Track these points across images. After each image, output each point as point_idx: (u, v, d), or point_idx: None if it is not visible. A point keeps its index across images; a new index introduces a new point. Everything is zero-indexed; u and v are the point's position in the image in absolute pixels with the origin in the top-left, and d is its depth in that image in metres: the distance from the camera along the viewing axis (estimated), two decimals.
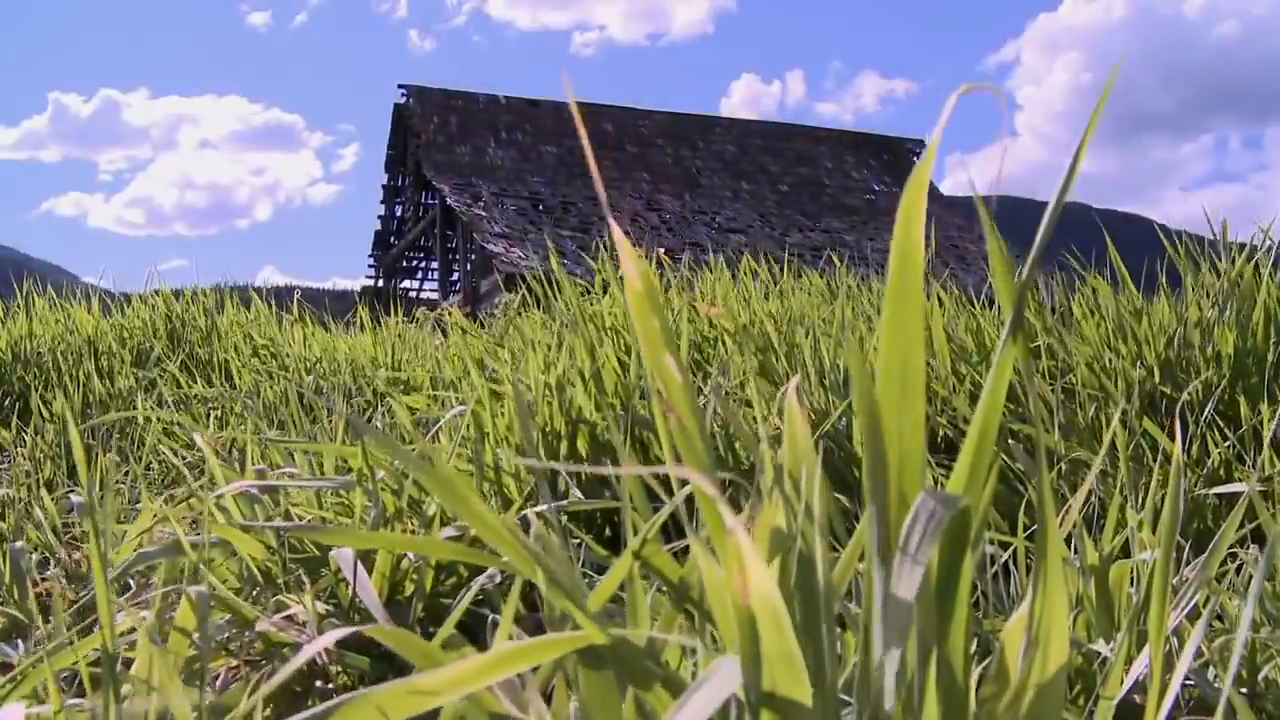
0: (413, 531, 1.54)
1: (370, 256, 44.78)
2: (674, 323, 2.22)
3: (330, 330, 4.50)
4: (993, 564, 1.29)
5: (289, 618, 1.30)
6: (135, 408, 4.04)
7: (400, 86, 39.09)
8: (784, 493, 0.62)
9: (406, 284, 45.63)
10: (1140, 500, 1.51)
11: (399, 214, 43.36)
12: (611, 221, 0.68)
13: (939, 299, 3.03)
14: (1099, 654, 1.14)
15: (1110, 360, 2.30)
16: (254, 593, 1.49)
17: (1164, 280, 2.60)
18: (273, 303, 5.31)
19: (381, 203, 43.45)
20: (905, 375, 0.58)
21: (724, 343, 2.30)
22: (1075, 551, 1.35)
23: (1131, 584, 1.24)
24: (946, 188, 45.16)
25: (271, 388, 3.57)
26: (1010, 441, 2.03)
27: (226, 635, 1.18)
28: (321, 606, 1.49)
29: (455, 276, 36.63)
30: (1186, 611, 1.00)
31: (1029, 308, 2.64)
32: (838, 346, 2.24)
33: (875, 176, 42.59)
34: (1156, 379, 2.20)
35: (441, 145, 37.92)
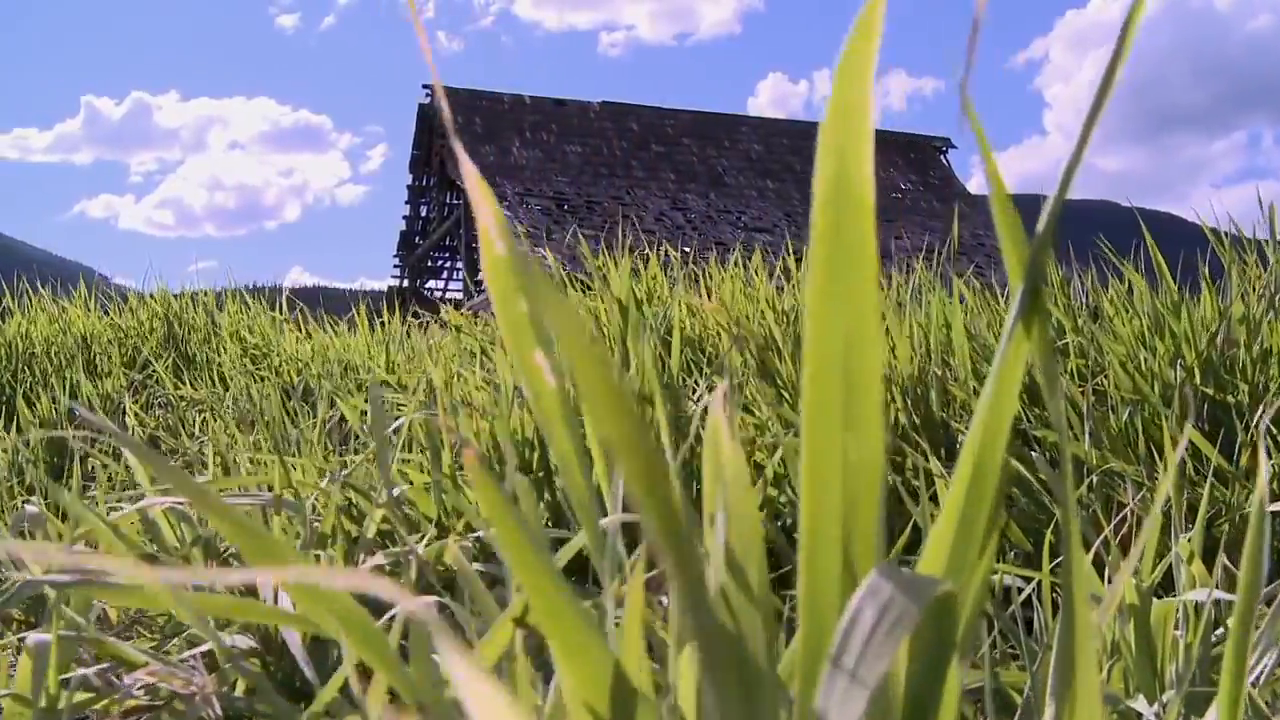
0: (346, 556, 1.35)
1: (395, 257, 44.82)
2: (665, 318, 2.04)
3: (325, 330, 4.34)
4: (1009, 600, 1.09)
5: (186, 660, 1.12)
6: (124, 410, 3.89)
7: (425, 87, 39.02)
8: (690, 555, 0.44)
9: (432, 284, 45.62)
10: (1185, 522, 1.31)
11: (424, 214, 43.36)
12: (464, 157, 0.49)
13: (960, 294, 2.83)
14: (1139, 714, 0.95)
15: (1145, 360, 2.09)
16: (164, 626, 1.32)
17: (1206, 273, 2.39)
18: (267, 303, 5.15)
19: (406, 203, 43.46)
20: (851, 366, 0.39)
21: (721, 341, 2.10)
22: (1108, 581, 1.16)
23: (1176, 626, 1.04)
24: (974, 186, 44.86)
25: (259, 390, 3.40)
26: (1032, 450, 1.83)
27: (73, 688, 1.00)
28: (245, 641, 1.31)
29: (481, 276, 36.50)
30: (1255, 675, 0.80)
31: (1055, 301, 2.43)
32: None
33: (901, 175, 42.18)
34: (1197, 380, 1.99)
35: (466, 145, 37.74)
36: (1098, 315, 2.81)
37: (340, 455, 2.39)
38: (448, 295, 44.29)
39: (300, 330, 4.12)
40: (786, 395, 1.92)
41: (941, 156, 44.72)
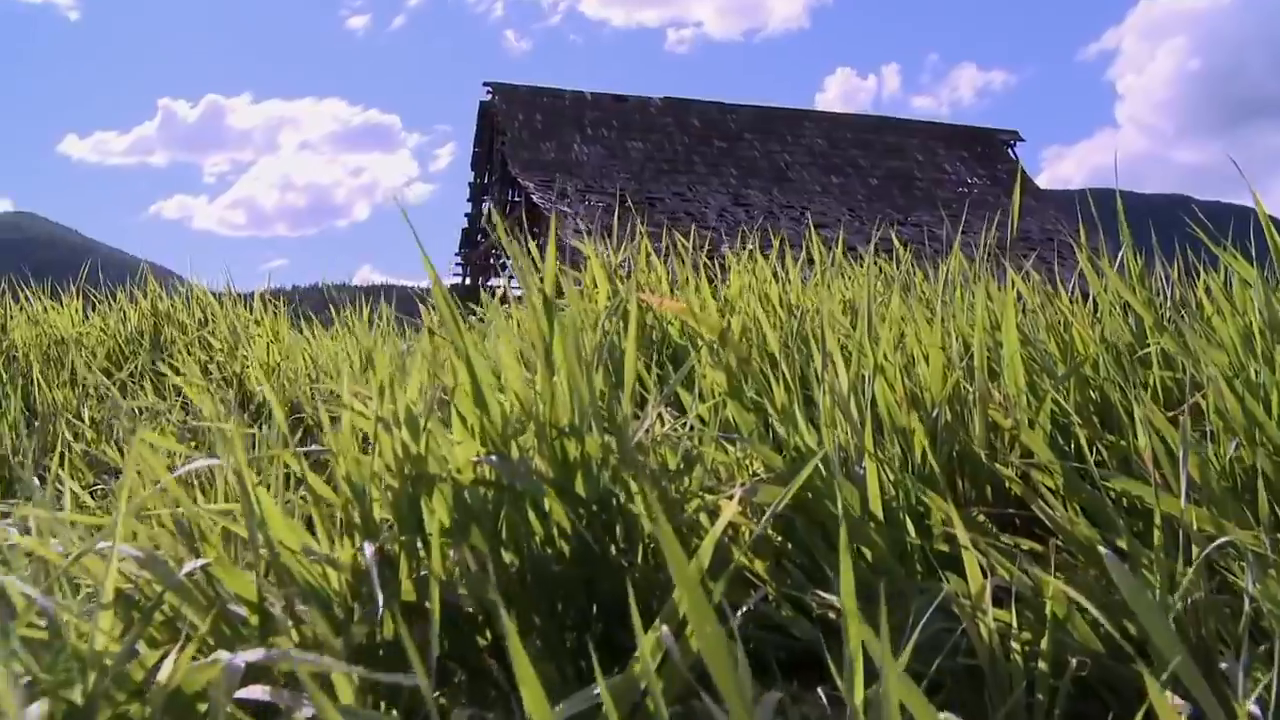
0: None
1: (457, 255, 44.90)
2: (613, 322, 1.57)
3: (302, 330, 3.92)
4: None
5: None
6: (81, 418, 3.52)
7: (485, 84, 38.90)
8: None
9: (495, 282, 45.58)
10: None
11: (486, 211, 43.31)
12: None
13: (1016, 289, 2.33)
14: None
15: (1257, 373, 1.59)
16: None
17: None
18: (287, 305, 4.78)
19: (468, 200, 43.47)
20: None
21: (697, 352, 1.61)
22: None
23: None
24: (1044, 181, 44.14)
25: (213, 401, 2.99)
26: (1105, 499, 1.34)
27: None
28: None
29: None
30: None
31: (1135, 294, 1.93)
32: (860, 354, 1.56)
33: (968, 169, 41.24)
34: None
35: (527, 142, 37.75)
36: (1184, 309, 2.30)
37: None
38: (510, 292, 44.04)
39: (264, 331, 3.69)
40: (774, 426, 1.45)
41: (1010, 150, 43.74)
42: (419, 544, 1.20)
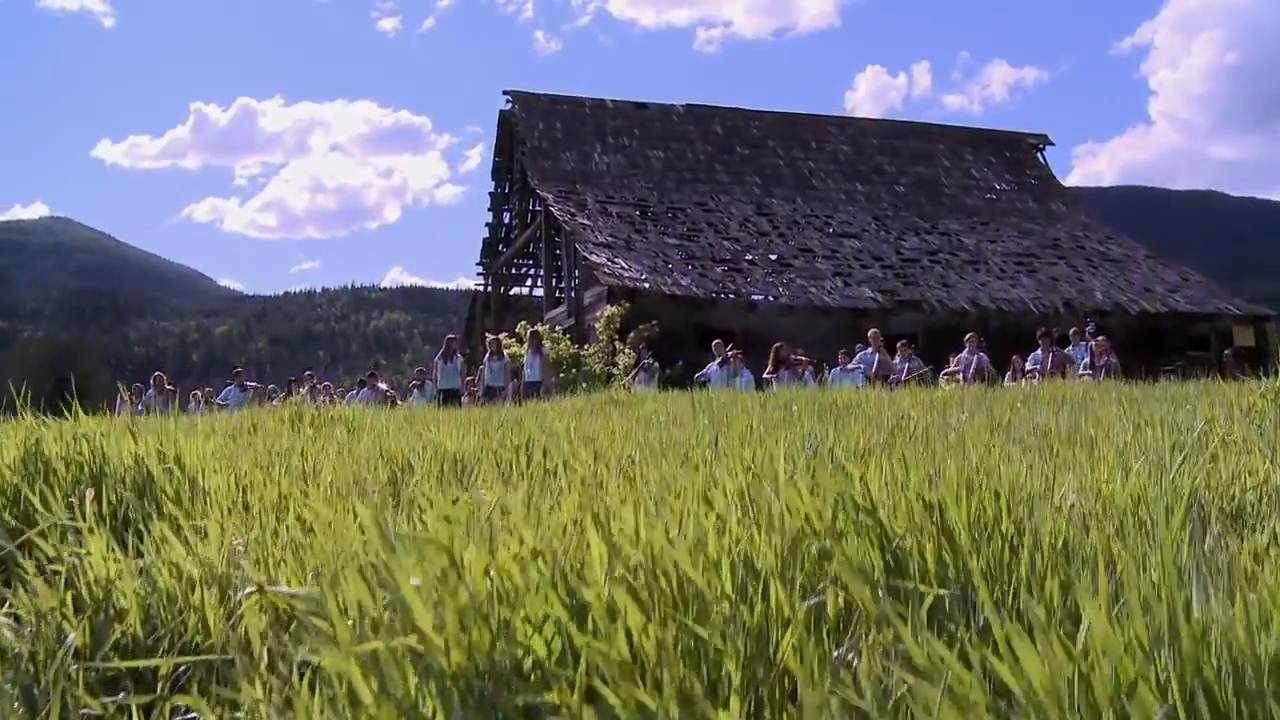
0: None
1: (479, 264, 44.60)
2: None
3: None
4: None
5: None
6: None
7: (505, 93, 38.41)
8: None
9: (515, 291, 45.28)
10: None
11: (507, 221, 42.98)
12: None
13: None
14: None
15: None
16: None
17: None
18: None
19: (489, 210, 43.11)
20: None
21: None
22: None
23: None
24: (1076, 178, 43.49)
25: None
26: None
27: None
28: None
29: (564, 284, 35.74)
30: None
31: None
32: None
33: (996, 174, 40.57)
34: None
35: (546, 152, 37.19)
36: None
37: None
38: (530, 300, 43.77)
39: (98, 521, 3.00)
40: None
41: (1039, 154, 42.99)
42: None
